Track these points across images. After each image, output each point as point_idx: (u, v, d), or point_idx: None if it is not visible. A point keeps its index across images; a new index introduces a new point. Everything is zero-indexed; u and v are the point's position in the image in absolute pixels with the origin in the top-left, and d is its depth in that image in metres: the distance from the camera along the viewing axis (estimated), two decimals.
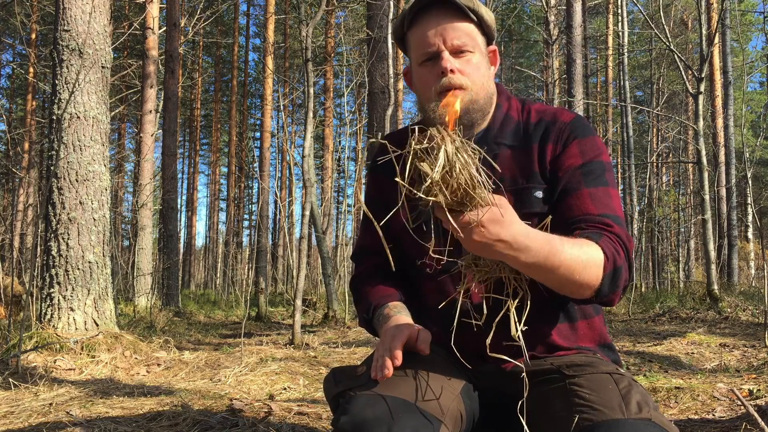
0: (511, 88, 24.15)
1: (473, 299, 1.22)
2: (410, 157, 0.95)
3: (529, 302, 1.15)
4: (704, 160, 7.70)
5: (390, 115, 8.70)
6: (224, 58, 28.40)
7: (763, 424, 1.49)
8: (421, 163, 0.94)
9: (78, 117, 4.35)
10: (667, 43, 8.00)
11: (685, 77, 8.25)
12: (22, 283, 7.10)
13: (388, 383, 1.10)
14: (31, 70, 17.37)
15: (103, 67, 4.52)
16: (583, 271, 1.08)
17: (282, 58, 24.10)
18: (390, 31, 8.18)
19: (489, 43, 1.34)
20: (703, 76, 7.70)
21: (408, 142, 0.96)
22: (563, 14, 10.80)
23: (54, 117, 4.35)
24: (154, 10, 11.18)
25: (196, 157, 31.84)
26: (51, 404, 2.81)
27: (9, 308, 5.51)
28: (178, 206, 16.67)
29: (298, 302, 5.62)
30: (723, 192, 14.08)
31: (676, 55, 8.16)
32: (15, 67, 23.36)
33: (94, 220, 4.32)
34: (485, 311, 1.18)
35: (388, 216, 1.08)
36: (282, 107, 17.89)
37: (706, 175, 7.77)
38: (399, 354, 1.12)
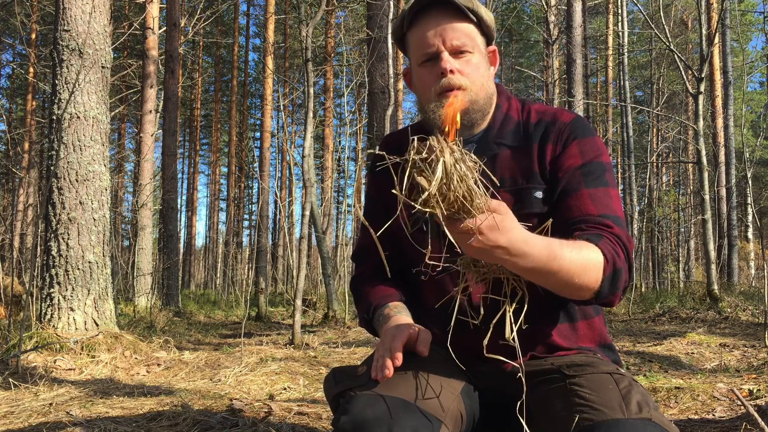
0: (511, 88, 24.15)
1: (472, 299, 1.22)
2: (408, 167, 0.94)
3: (527, 302, 1.15)
4: (704, 160, 7.70)
5: (390, 115, 8.70)
6: (224, 58, 28.40)
7: (763, 424, 1.49)
8: (419, 177, 0.93)
9: (78, 117, 4.35)
10: (667, 43, 8.00)
11: (685, 77, 8.25)
12: (22, 283, 7.10)
13: (389, 383, 1.10)
14: (31, 70, 17.37)
15: (103, 67, 4.52)
16: (582, 274, 1.09)
17: (282, 58, 24.10)
18: (390, 31, 8.18)
19: (488, 43, 1.34)
20: (703, 76, 7.70)
21: (407, 149, 0.95)
22: (563, 14, 10.81)
23: (54, 117, 4.35)
24: (154, 10, 11.18)
25: (196, 157, 31.85)
26: (51, 404, 2.81)
27: (9, 308, 5.51)
28: (178, 206, 16.67)
29: (298, 302, 5.62)
30: (723, 192, 14.08)
31: (676, 55, 8.16)
32: (15, 67, 23.36)
33: (94, 220, 4.33)
34: (482, 312, 1.18)
35: (385, 227, 1.08)
36: (282, 107, 17.89)
37: (706, 175, 7.77)
38: (399, 354, 1.12)
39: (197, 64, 27.44)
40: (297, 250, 11.57)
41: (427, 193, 0.92)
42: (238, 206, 28.92)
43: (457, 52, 1.25)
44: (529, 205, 1.25)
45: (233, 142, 26.70)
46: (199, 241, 41.97)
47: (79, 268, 4.21)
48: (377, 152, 1.01)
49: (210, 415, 2.40)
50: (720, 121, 15.26)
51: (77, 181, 4.28)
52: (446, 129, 1.03)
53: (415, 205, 0.94)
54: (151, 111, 10.92)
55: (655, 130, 21.95)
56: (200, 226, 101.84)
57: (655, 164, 17.02)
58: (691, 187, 21.84)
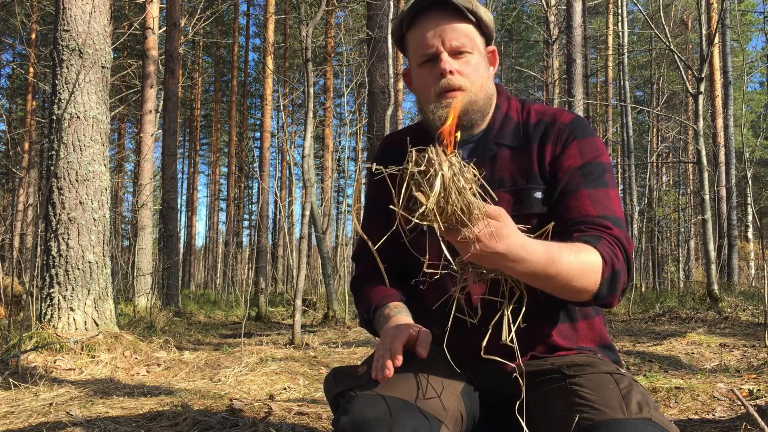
0: (511, 88, 24.16)
1: (471, 299, 1.22)
2: (406, 180, 0.94)
3: (527, 302, 1.15)
4: (704, 160, 7.70)
5: (390, 115, 8.70)
6: (224, 58, 28.41)
7: (763, 424, 1.49)
8: (417, 192, 0.92)
9: (78, 117, 4.35)
10: (667, 43, 8.00)
11: (685, 77, 8.25)
12: (22, 283, 7.10)
13: (389, 383, 1.10)
14: (31, 70, 17.37)
15: (103, 67, 4.52)
16: (580, 277, 1.09)
17: (282, 58, 24.10)
18: (390, 31, 8.18)
19: (488, 43, 1.34)
20: (703, 76, 7.70)
21: (406, 159, 0.95)
22: (563, 14, 10.80)
23: (54, 117, 4.35)
24: (154, 10, 11.18)
25: (196, 157, 31.85)
26: (51, 404, 2.81)
27: (9, 308, 5.51)
28: (178, 206, 16.67)
29: (298, 302, 5.62)
30: (723, 192, 14.08)
31: (676, 55, 8.16)
32: (15, 67, 23.36)
33: (94, 220, 4.33)
34: (479, 312, 1.18)
35: (383, 240, 1.07)
36: (282, 107, 17.89)
37: (706, 175, 7.77)
38: (399, 354, 1.12)
39: (197, 64, 27.45)
40: (297, 250, 11.57)
41: (424, 207, 0.92)
42: (238, 206, 28.92)
43: (456, 53, 1.25)
44: (529, 206, 1.24)
45: (233, 142, 26.71)
46: (199, 241, 42.00)
47: (79, 268, 4.21)
48: (375, 167, 1.00)
49: (210, 415, 2.40)
50: (720, 121, 15.27)
51: (77, 181, 4.28)
52: (445, 141, 1.02)
53: (413, 219, 0.93)
54: (151, 111, 10.92)
55: (655, 130, 21.95)
56: (200, 226, 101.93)
57: (655, 164, 17.02)
58: (691, 187, 21.85)
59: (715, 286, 7.35)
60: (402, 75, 1.43)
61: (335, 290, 8.16)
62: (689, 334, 5.03)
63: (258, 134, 26.58)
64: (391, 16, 8.62)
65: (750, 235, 15.73)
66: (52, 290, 4.15)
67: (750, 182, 8.41)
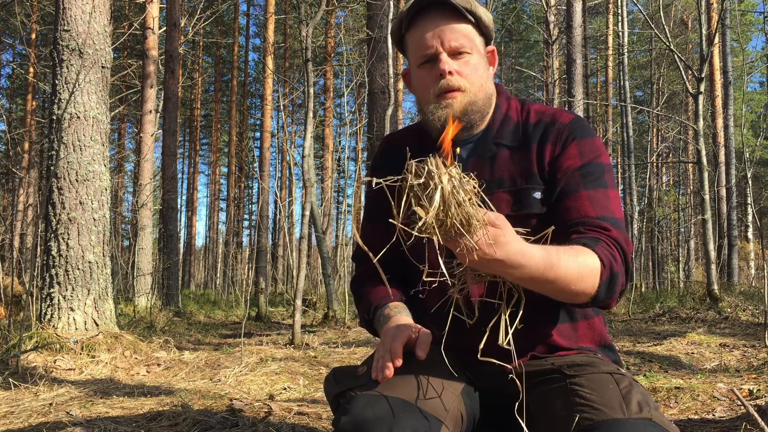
0: (511, 88, 24.17)
1: (471, 300, 1.22)
2: (405, 193, 0.93)
3: (527, 303, 1.15)
4: (704, 160, 7.70)
5: (390, 115, 8.70)
6: (224, 58, 28.41)
7: (763, 424, 1.49)
8: (416, 206, 0.92)
9: (78, 117, 4.35)
10: (667, 43, 8.00)
11: (685, 77, 8.25)
12: (22, 283, 7.11)
13: (389, 383, 1.11)
14: (31, 70, 17.37)
15: (103, 67, 4.52)
16: (579, 281, 1.09)
17: (282, 58, 24.10)
18: (389, 31, 8.17)
19: (487, 43, 1.33)
20: (703, 76, 7.70)
21: (405, 168, 0.95)
22: (563, 14, 10.80)
23: (54, 117, 4.35)
24: (154, 10, 11.18)
25: (196, 157, 31.85)
26: (51, 404, 2.81)
27: (9, 308, 5.51)
28: (178, 206, 16.67)
29: (298, 302, 5.62)
30: (723, 192, 14.08)
31: (676, 55, 8.16)
32: (15, 67, 23.36)
33: (94, 220, 4.33)
34: (476, 314, 1.19)
35: (383, 252, 1.07)
36: (282, 107, 17.89)
37: (706, 175, 7.77)
38: (400, 354, 1.12)
39: (197, 64, 27.45)
40: (297, 250, 11.58)
41: (423, 221, 0.92)
42: (238, 206, 28.92)
43: (455, 54, 1.25)
44: (528, 206, 1.24)
45: (233, 142, 26.71)
46: (199, 241, 42.01)
47: (79, 268, 4.21)
48: (375, 181, 1.00)
49: (210, 415, 2.40)
50: (720, 121, 15.27)
51: (77, 181, 4.28)
52: (444, 152, 1.02)
53: (413, 232, 0.93)
54: (151, 111, 10.92)
55: (655, 130, 21.95)
56: (200, 226, 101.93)
57: (655, 164, 17.02)
58: (691, 187, 21.85)
59: (715, 286, 7.35)
60: (402, 75, 1.43)
61: (335, 290, 8.16)
62: (689, 334, 5.03)
63: (258, 134, 26.60)
64: (391, 16, 8.63)
65: (750, 235, 15.73)
66: (52, 290, 4.15)
67: (750, 182, 8.41)
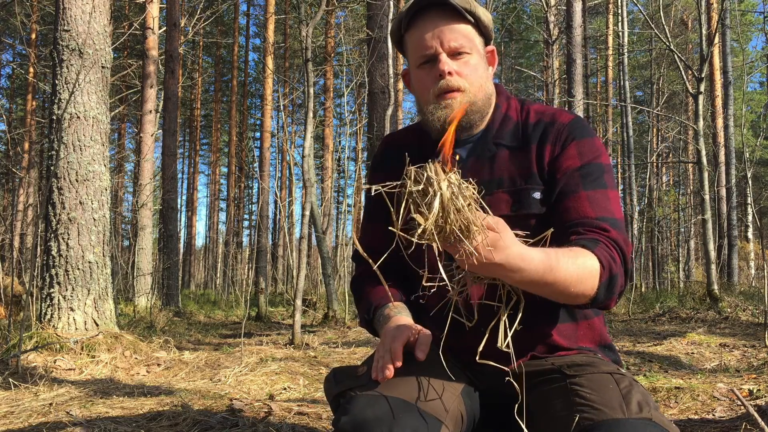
0: (511, 88, 24.16)
1: (471, 302, 1.22)
2: (405, 199, 0.93)
3: (528, 303, 1.15)
4: (704, 160, 7.70)
5: (390, 115, 8.70)
6: (224, 58, 28.41)
7: (763, 424, 1.49)
8: (415, 213, 0.92)
9: (78, 117, 4.35)
10: (667, 43, 8.00)
11: (685, 77, 8.25)
12: (22, 283, 7.11)
13: (389, 383, 1.11)
14: (31, 70, 17.37)
15: (103, 67, 4.52)
16: (578, 283, 1.09)
17: (282, 58, 24.10)
18: (389, 31, 8.18)
19: (487, 43, 1.33)
20: (703, 76, 7.70)
21: (404, 173, 0.94)
22: (563, 14, 10.80)
23: (54, 117, 4.35)
24: (154, 10, 11.18)
25: (196, 157, 31.85)
26: (51, 404, 2.81)
27: (9, 308, 5.51)
28: (178, 206, 16.67)
29: (298, 302, 5.62)
30: (723, 192, 14.08)
31: (676, 55, 8.16)
32: (15, 67, 23.36)
33: (94, 220, 4.33)
34: (476, 315, 1.18)
35: (383, 258, 1.07)
36: (282, 107, 17.89)
37: (706, 175, 7.77)
38: (400, 355, 1.12)
39: (197, 64, 27.45)
40: (297, 250, 11.58)
41: (422, 228, 0.91)
42: (238, 206, 28.92)
43: (455, 54, 1.25)
44: (528, 206, 1.24)
45: (233, 142, 26.71)
46: (199, 241, 42.02)
47: (79, 268, 4.21)
48: (374, 188, 1.00)
49: (210, 415, 2.40)
50: (720, 121, 15.27)
51: (77, 181, 4.28)
52: (444, 157, 1.01)
53: (412, 239, 0.93)
54: (151, 111, 10.92)
55: (655, 130, 21.95)
56: (200, 226, 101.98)
57: (655, 164, 17.02)
58: (691, 187, 21.85)
59: (715, 286, 7.35)
60: (401, 76, 1.43)
61: (335, 290, 8.16)
62: (689, 334, 5.03)
63: (258, 134, 26.60)
64: (391, 16, 8.63)
65: (750, 235, 15.73)
66: (52, 290, 4.15)
67: (750, 182, 8.40)
